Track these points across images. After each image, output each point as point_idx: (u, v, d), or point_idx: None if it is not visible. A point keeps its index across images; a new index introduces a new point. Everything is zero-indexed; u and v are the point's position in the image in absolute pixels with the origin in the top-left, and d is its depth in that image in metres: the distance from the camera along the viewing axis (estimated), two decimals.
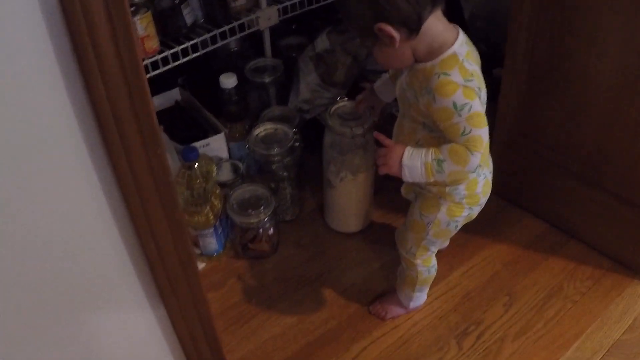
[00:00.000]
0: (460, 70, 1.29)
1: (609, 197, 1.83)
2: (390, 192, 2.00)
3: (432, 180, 1.36)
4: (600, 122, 1.74)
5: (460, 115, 1.27)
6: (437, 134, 1.37)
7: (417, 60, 1.34)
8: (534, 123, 1.92)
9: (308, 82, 2.10)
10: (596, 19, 1.61)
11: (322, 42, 2.08)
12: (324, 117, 1.84)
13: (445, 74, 1.28)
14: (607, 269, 1.91)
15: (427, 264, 1.67)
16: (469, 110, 1.27)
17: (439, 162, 1.33)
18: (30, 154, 0.97)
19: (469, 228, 1.85)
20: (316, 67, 2.08)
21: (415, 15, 1.25)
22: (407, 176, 1.38)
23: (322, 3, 2.19)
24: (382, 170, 1.41)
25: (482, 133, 1.30)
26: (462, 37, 1.33)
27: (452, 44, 1.31)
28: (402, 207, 1.69)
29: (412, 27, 1.27)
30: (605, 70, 1.65)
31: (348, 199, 1.95)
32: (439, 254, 1.71)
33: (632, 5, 1.51)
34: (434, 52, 1.31)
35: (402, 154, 1.37)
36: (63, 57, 0.93)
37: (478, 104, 1.29)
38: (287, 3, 2.10)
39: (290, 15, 2.13)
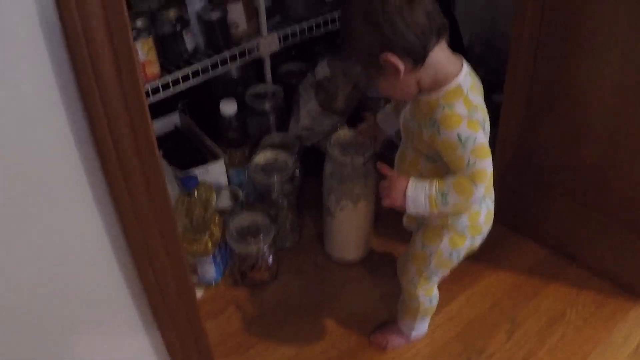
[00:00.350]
0: (464, 102, 1.29)
1: (610, 220, 1.82)
2: (390, 221, 1.98)
3: (435, 212, 1.34)
4: (601, 144, 1.74)
5: (464, 147, 1.26)
6: (441, 164, 1.36)
7: (421, 91, 1.34)
8: (534, 147, 1.91)
9: (308, 109, 2.09)
10: (596, 41, 1.61)
11: (323, 70, 2.07)
12: (324, 147, 1.83)
13: (450, 106, 1.28)
14: (610, 294, 1.89)
15: (428, 294, 1.65)
16: (474, 142, 1.26)
17: (443, 194, 1.31)
18: (27, 177, 0.97)
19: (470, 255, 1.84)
20: (316, 94, 2.07)
21: (421, 46, 1.25)
22: (411, 208, 1.35)
23: (322, 31, 2.18)
24: (386, 203, 1.39)
25: (486, 165, 1.30)
26: (466, 68, 1.33)
27: (457, 75, 1.31)
28: (403, 236, 1.68)
29: (418, 57, 1.27)
30: (605, 92, 1.65)
31: (348, 228, 1.93)
32: (440, 282, 1.69)
33: (632, 29, 1.52)
34: (438, 83, 1.30)
35: (406, 185, 1.35)
36: (63, 80, 0.92)
37: (482, 136, 1.29)
38: (288, 30, 2.10)
39: (290, 42, 2.13)
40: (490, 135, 1.56)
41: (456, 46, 1.38)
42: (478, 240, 1.53)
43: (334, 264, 2.03)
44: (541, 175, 1.94)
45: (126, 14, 0.91)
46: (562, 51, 1.70)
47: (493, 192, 1.50)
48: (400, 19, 1.22)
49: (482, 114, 1.32)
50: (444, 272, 1.63)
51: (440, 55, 1.30)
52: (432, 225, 1.50)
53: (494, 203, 1.51)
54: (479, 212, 1.46)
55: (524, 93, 1.85)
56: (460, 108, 1.28)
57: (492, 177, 1.33)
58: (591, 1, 1.57)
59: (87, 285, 1.17)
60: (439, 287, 1.68)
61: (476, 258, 1.93)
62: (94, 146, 1.02)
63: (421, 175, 1.40)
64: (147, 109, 1.02)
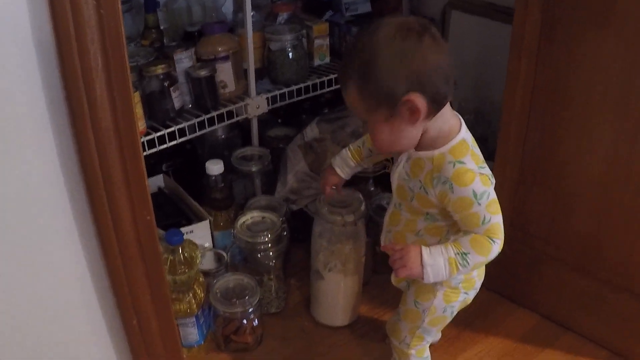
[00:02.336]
0: (472, 157, 1.27)
1: (603, 286, 1.79)
2: (378, 284, 1.94)
3: (455, 275, 1.30)
4: (593, 211, 1.73)
5: (479, 204, 1.24)
6: (445, 222, 1.34)
7: (419, 145, 1.30)
8: (525, 214, 1.90)
9: (296, 172, 2.07)
10: (587, 110, 1.63)
11: (312, 131, 2.06)
12: (314, 206, 1.80)
13: (461, 162, 1.25)
14: None
15: (420, 354, 1.61)
16: (487, 198, 1.25)
17: (463, 255, 1.27)
18: (16, 218, 0.93)
19: (461, 321, 1.80)
20: (305, 155, 2.06)
21: (445, 92, 1.22)
22: (430, 276, 1.30)
23: (310, 94, 2.19)
24: (402, 273, 1.32)
25: (499, 220, 1.28)
26: (464, 123, 1.32)
27: (459, 129, 1.29)
28: (392, 299, 1.65)
29: (439, 104, 1.23)
30: (597, 160, 1.66)
31: (336, 291, 1.87)
32: (431, 349, 1.65)
33: (622, 100, 1.54)
34: (442, 136, 1.28)
35: (420, 253, 1.30)
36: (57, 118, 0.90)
37: (493, 192, 1.27)
38: (277, 92, 2.10)
39: (279, 104, 2.13)
40: None
41: None
42: (471, 295, 1.49)
43: (320, 329, 1.96)
44: (533, 242, 1.92)
45: (127, 65, 0.90)
46: (553, 121, 1.71)
47: None
48: (434, 62, 1.19)
49: (489, 169, 1.30)
50: (437, 330, 1.59)
51: (447, 108, 1.28)
52: (424, 282, 1.42)
53: None
54: None
55: (515, 161, 1.85)
56: (470, 164, 1.26)
57: None
58: (582, 74, 1.60)
59: (69, 335, 1.12)
60: (430, 354, 1.64)
61: (468, 325, 1.91)
62: (83, 182, 0.98)
63: (419, 237, 1.38)
64: (139, 141, 0.99)
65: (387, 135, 1.27)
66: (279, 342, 1.91)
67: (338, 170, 1.62)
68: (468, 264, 1.28)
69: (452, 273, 1.29)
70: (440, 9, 2.45)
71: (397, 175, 1.39)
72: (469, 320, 1.92)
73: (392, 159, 1.46)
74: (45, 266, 1.02)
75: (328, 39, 2.24)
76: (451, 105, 1.32)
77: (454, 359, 1.85)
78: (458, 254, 1.28)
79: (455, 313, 1.50)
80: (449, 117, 1.29)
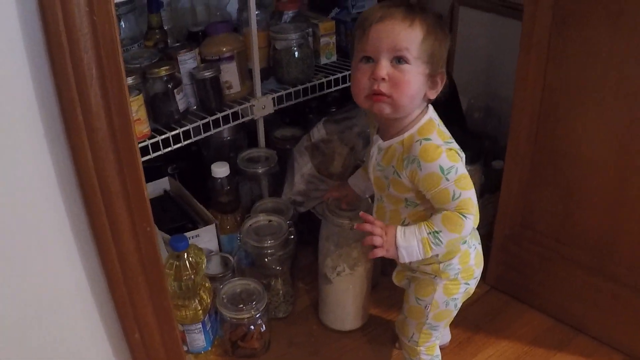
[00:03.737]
0: (438, 134, 1.32)
1: (618, 286, 1.75)
2: (387, 286, 1.91)
3: (429, 255, 1.33)
4: (606, 209, 1.69)
5: (448, 180, 1.27)
6: (424, 207, 1.37)
7: (389, 135, 1.37)
8: (537, 213, 1.87)
9: (303, 173, 2.04)
10: (600, 106, 1.60)
11: (319, 132, 2.03)
12: (321, 208, 1.78)
13: (427, 139, 1.30)
14: None
15: (430, 352, 1.59)
16: (456, 173, 1.27)
17: (435, 234, 1.31)
18: (12, 231, 0.90)
19: (471, 324, 1.77)
20: (312, 157, 2.02)
21: None
22: (405, 257, 1.35)
23: (317, 94, 2.15)
24: (378, 253, 1.37)
25: (471, 195, 1.30)
26: (431, 105, 1.38)
27: (427, 112, 1.36)
28: (400, 301, 1.63)
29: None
30: (610, 155, 1.63)
31: (345, 294, 1.84)
32: (442, 352, 1.63)
33: (636, 94, 1.52)
34: (412, 120, 1.34)
35: (395, 234, 1.34)
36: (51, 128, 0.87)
37: (463, 166, 1.30)
38: (282, 93, 2.06)
39: (285, 105, 2.10)
40: (491, 202, 1.53)
41: (455, 111, 1.42)
42: (473, 285, 1.49)
43: (329, 333, 1.93)
44: (544, 241, 1.88)
45: (123, 72, 0.87)
46: (565, 118, 1.68)
47: (478, 234, 1.49)
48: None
49: (457, 145, 1.34)
50: (445, 324, 1.58)
51: None
52: (424, 277, 1.47)
53: (480, 246, 1.50)
54: (469, 253, 1.44)
55: (526, 159, 1.82)
56: (436, 139, 1.30)
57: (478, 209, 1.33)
58: (595, 70, 1.57)
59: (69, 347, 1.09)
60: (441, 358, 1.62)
61: (479, 328, 1.88)
62: (79, 191, 0.95)
63: (406, 226, 1.38)
64: (137, 149, 0.96)
65: (415, 88, 1.30)
66: (287, 347, 1.89)
67: (353, 187, 1.69)
68: (441, 242, 1.31)
69: (427, 253, 1.33)
70: (449, 5, 2.42)
71: (372, 168, 1.44)
72: (479, 323, 1.89)
73: None
74: (44, 279, 1.00)
75: (335, 37, 2.20)
76: (460, 103, 1.39)
77: None
78: (430, 233, 1.32)
79: (459, 305, 1.50)
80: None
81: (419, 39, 1.28)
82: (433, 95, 1.34)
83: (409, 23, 1.28)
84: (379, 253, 1.37)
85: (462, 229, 1.30)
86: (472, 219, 1.31)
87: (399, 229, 1.35)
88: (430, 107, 1.37)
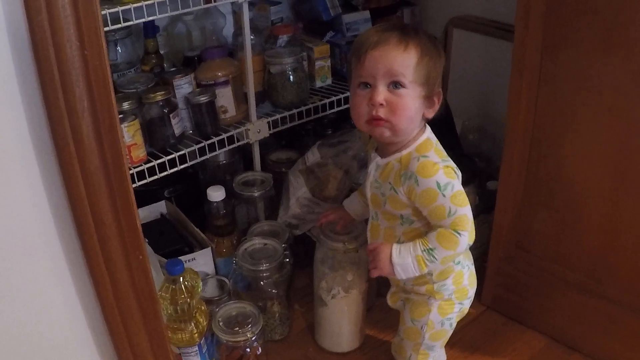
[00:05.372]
0: (436, 152, 1.35)
1: (613, 306, 1.75)
2: (383, 308, 1.91)
3: (425, 272, 1.36)
4: (602, 230, 1.70)
5: (444, 196, 1.29)
6: (419, 224, 1.39)
7: (387, 152, 1.39)
8: (531, 235, 1.87)
9: (298, 197, 2.05)
10: (593, 130, 1.61)
11: (313, 155, 2.04)
12: (315, 232, 1.79)
13: (425, 156, 1.32)
14: None
15: None
16: (452, 189, 1.30)
17: (429, 251, 1.33)
18: (5, 264, 0.91)
19: (468, 345, 1.77)
20: (307, 180, 2.03)
21: None
22: (401, 274, 1.38)
23: (312, 117, 2.17)
24: (374, 273, 1.42)
25: (467, 212, 1.32)
26: (428, 126, 1.41)
27: (424, 132, 1.38)
28: (396, 322, 1.64)
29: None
30: (604, 177, 1.63)
31: (340, 317, 1.85)
32: None
33: (629, 117, 1.52)
34: (411, 139, 1.37)
35: (390, 253, 1.37)
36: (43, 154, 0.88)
37: (459, 183, 1.32)
38: (277, 116, 2.08)
39: (280, 128, 2.11)
40: (486, 222, 1.54)
41: (450, 133, 1.45)
42: (467, 305, 1.51)
43: (326, 355, 1.93)
44: (540, 262, 1.89)
45: (115, 111, 0.89)
46: (558, 140, 1.69)
47: (471, 254, 1.52)
48: None
49: (454, 163, 1.36)
50: (441, 345, 1.59)
51: None
52: (418, 298, 1.49)
53: (473, 266, 1.52)
54: (462, 274, 1.46)
55: (519, 181, 1.83)
56: (433, 157, 1.33)
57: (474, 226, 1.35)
58: (587, 95, 1.58)
59: None
60: None
61: (475, 348, 1.88)
62: (72, 221, 0.96)
63: (401, 243, 1.41)
64: (129, 180, 0.97)
65: (413, 110, 1.33)
66: None
67: (347, 210, 1.72)
68: (435, 259, 1.34)
69: (422, 269, 1.36)
70: (443, 27, 2.44)
71: (369, 185, 1.46)
72: (476, 344, 1.89)
73: None
74: (39, 309, 1.01)
75: (329, 60, 2.22)
76: (455, 124, 1.41)
77: None
78: (425, 250, 1.34)
79: (454, 325, 1.52)
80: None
81: (414, 62, 1.30)
82: (431, 114, 1.37)
83: (403, 47, 1.30)
84: (375, 273, 1.42)
85: (456, 246, 1.32)
86: (467, 236, 1.33)
87: (395, 246, 1.39)
88: (428, 129, 1.40)
